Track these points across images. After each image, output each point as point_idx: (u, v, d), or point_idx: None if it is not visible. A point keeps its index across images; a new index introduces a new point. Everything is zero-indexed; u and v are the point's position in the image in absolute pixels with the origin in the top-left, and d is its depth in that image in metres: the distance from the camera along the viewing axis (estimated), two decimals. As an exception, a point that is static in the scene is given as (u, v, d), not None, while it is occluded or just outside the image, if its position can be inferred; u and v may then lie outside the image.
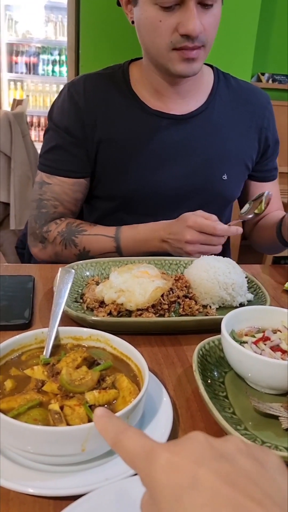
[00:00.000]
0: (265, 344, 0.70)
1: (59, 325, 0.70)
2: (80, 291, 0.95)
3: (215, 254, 1.02)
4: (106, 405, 0.57)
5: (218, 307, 0.93)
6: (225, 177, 1.17)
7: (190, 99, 1.16)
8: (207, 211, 1.02)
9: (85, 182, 1.19)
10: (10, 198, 2.48)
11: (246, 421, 0.64)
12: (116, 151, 1.16)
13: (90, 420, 0.54)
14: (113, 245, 1.11)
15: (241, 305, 0.94)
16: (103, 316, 0.85)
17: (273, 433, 0.62)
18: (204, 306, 0.92)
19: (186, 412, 0.67)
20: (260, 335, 0.72)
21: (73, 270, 0.84)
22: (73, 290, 0.94)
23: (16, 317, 0.85)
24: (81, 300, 0.91)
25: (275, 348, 0.69)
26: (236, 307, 0.93)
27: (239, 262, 1.04)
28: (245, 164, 1.22)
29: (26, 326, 0.83)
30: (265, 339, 0.71)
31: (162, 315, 0.87)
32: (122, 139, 1.15)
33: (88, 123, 1.15)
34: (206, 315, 0.89)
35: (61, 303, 0.74)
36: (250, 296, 0.95)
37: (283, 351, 0.69)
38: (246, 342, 0.71)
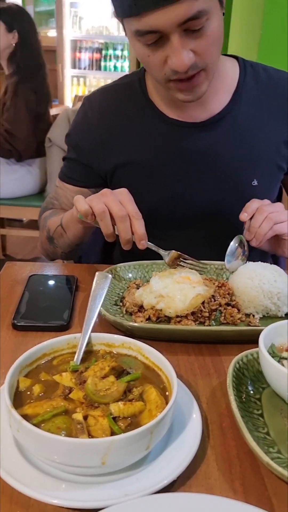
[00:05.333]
0: (305, 362, 0.66)
1: (93, 330, 0.70)
2: (121, 293, 0.94)
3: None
4: (130, 418, 0.56)
5: (262, 316, 0.89)
6: (255, 182, 1.09)
7: (211, 102, 1.07)
8: (236, 220, 0.97)
9: (88, 192, 1.16)
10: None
11: (281, 443, 0.60)
12: (135, 171, 1.12)
13: (113, 432, 0.54)
14: (59, 223, 1.11)
15: (287, 315, 0.89)
16: (141, 321, 0.84)
17: (309, 459, 0.58)
18: (247, 315, 0.89)
19: (217, 428, 0.64)
20: (301, 352, 0.68)
21: (110, 275, 0.83)
22: (114, 293, 0.94)
23: (55, 318, 0.86)
24: (120, 304, 0.91)
25: None
26: (282, 318, 0.89)
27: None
28: (278, 165, 1.13)
29: (64, 328, 0.84)
30: (306, 356, 0.67)
31: (202, 323, 0.85)
32: (141, 157, 1.11)
33: (101, 142, 1.13)
34: (249, 325, 0.86)
35: (95, 309, 0.74)
36: (297, 307, 0.90)
37: None
38: (286, 358, 0.67)
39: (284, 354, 0.68)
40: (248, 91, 1.10)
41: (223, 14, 0.94)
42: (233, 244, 0.99)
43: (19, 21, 2.63)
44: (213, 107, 1.09)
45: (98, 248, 1.47)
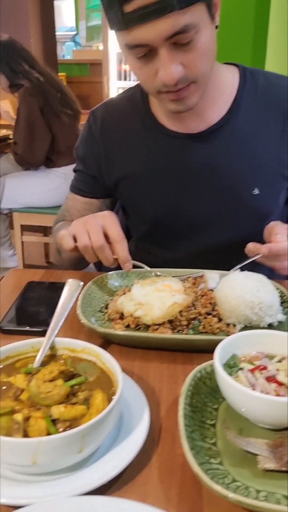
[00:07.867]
0: (261, 374, 0.65)
1: (76, 336, 0.73)
2: (110, 300, 0.97)
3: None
4: (71, 421, 0.58)
5: (244, 326, 0.88)
6: (256, 191, 1.07)
7: (208, 112, 1.07)
8: (240, 229, 0.96)
9: (97, 203, 1.22)
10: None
11: (226, 454, 0.60)
12: (136, 184, 1.14)
13: (49, 434, 0.56)
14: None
15: (270, 326, 0.87)
16: (119, 328, 0.86)
17: (250, 472, 0.57)
18: (229, 325, 0.88)
19: (170, 436, 0.65)
20: (259, 363, 0.67)
21: (81, 283, 0.86)
22: (103, 300, 0.96)
23: (40, 323, 0.89)
24: (105, 310, 0.93)
25: (271, 379, 0.64)
26: (264, 328, 0.87)
27: None
28: (281, 173, 1.10)
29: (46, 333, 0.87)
30: (262, 368, 0.66)
31: (181, 331, 0.85)
32: (141, 170, 1.13)
33: (104, 156, 1.16)
34: (227, 335, 0.85)
35: (62, 315, 0.77)
36: (281, 317, 0.88)
37: (280, 383, 0.63)
38: (242, 369, 0.67)
39: (243, 365, 0.68)
40: (247, 99, 1.09)
41: (216, 27, 0.94)
42: None
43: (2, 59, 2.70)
44: (210, 117, 1.08)
45: None
